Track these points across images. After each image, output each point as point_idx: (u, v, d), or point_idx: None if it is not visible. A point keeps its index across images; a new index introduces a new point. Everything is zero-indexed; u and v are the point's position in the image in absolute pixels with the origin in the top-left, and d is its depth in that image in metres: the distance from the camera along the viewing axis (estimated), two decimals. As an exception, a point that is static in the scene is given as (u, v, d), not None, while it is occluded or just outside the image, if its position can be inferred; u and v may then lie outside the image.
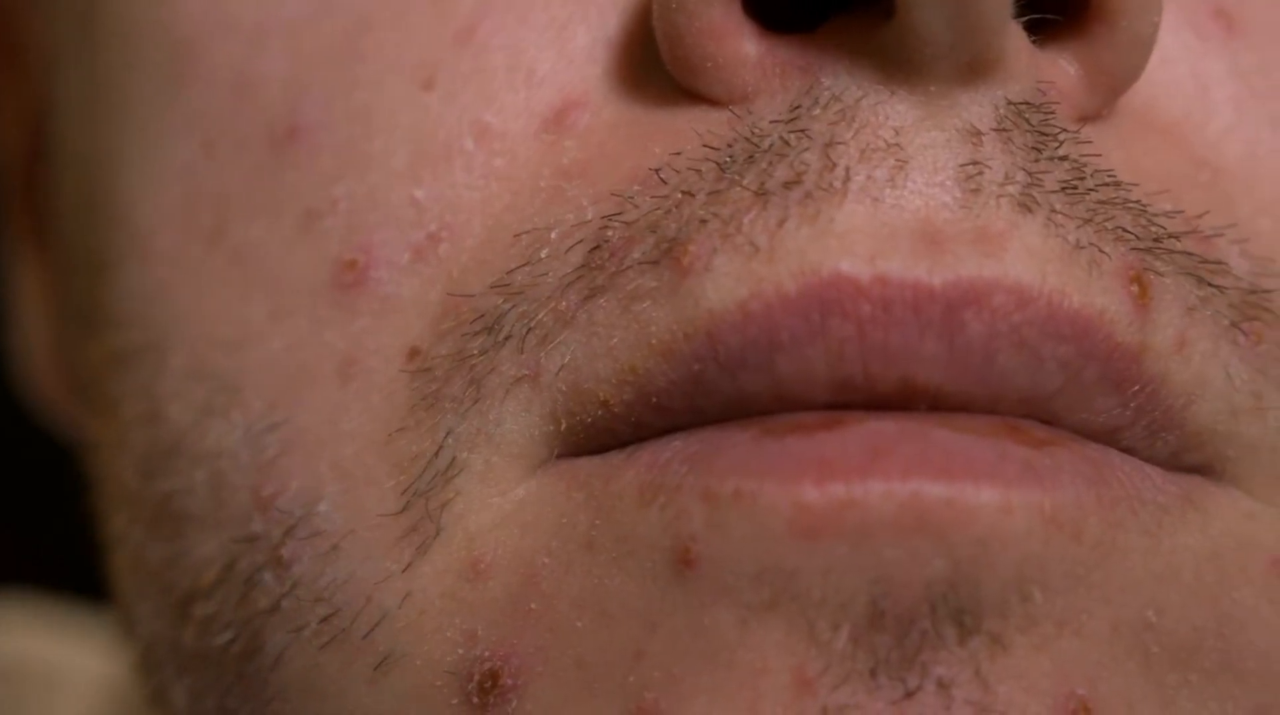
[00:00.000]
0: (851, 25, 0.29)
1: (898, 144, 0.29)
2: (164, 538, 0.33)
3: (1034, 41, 0.30)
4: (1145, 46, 0.30)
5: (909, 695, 0.27)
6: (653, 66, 0.30)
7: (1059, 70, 0.30)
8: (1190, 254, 0.30)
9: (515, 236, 0.30)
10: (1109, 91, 0.30)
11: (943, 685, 0.28)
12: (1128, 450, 0.29)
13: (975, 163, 0.29)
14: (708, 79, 0.29)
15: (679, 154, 0.29)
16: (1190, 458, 0.30)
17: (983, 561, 0.27)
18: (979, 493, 0.27)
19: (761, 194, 0.28)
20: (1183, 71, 0.32)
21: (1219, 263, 0.30)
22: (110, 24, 0.36)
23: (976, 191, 0.28)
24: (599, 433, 0.30)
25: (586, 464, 0.29)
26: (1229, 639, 0.29)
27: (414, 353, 0.30)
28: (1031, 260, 0.28)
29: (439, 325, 0.30)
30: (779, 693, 0.28)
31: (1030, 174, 0.29)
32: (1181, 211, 0.30)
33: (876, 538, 0.27)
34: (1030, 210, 0.28)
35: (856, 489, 0.27)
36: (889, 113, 0.29)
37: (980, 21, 0.28)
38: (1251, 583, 0.30)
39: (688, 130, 0.30)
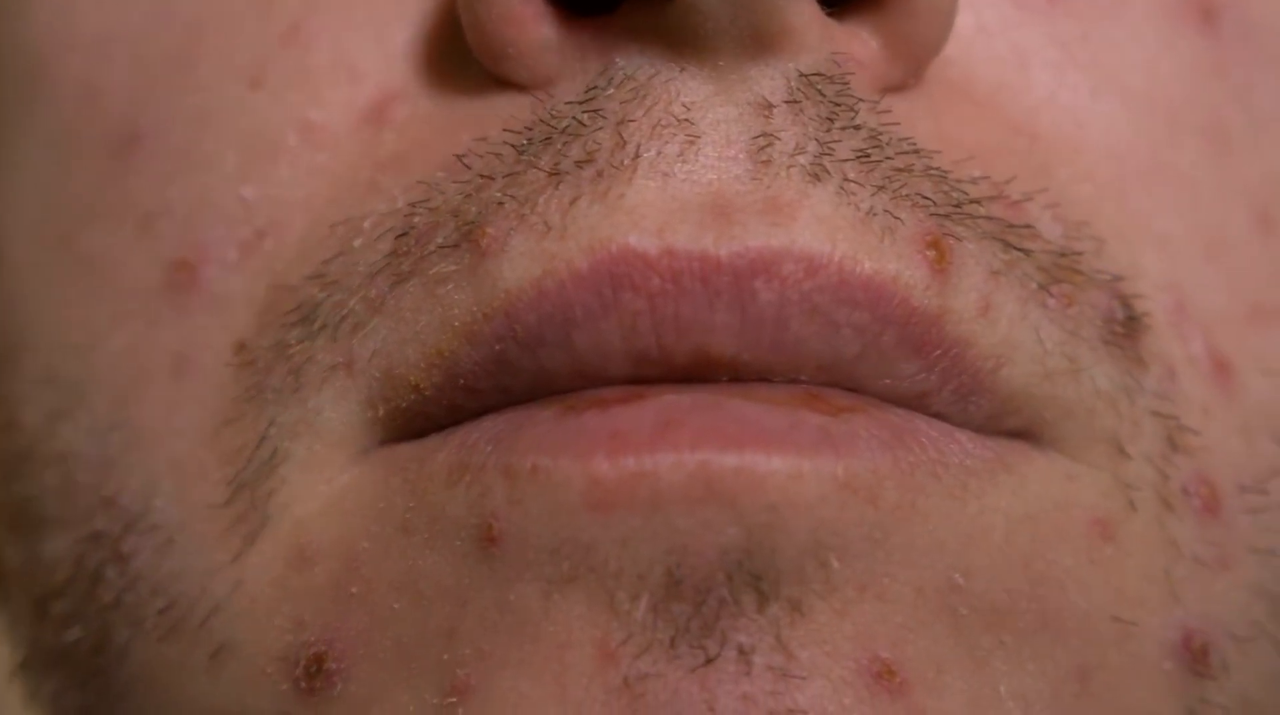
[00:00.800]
0: (644, 6, 0.29)
1: (689, 119, 0.29)
2: (22, 540, 0.34)
3: (833, 14, 0.30)
4: (945, 18, 0.30)
5: (709, 662, 0.28)
6: (467, 57, 0.31)
7: (859, 42, 0.30)
8: (995, 219, 0.30)
9: (331, 227, 0.31)
10: (913, 61, 0.30)
11: (743, 652, 0.28)
12: (939, 415, 0.30)
13: (766, 134, 0.29)
14: (511, 65, 0.30)
15: (483, 139, 0.30)
16: (1009, 422, 0.30)
17: (776, 528, 0.28)
18: (769, 460, 0.28)
19: (555, 174, 0.29)
20: (1001, 42, 0.32)
21: (1027, 227, 0.30)
22: None
23: (767, 163, 0.29)
24: (415, 417, 0.30)
25: (405, 449, 0.30)
26: (1045, 600, 0.29)
27: (240, 347, 0.31)
28: (821, 228, 0.29)
29: (262, 318, 0.31)
30: (583, 664, 0.28)
31: (822, 144, 0.29)
32: (987, 177, 0.30)
33: (669, 508, 0.28)
34: (820, 179, 0.29)
35: (647, 461, 0.28)
36: (680, 89, 0.29)
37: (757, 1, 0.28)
38: (1070, 543, 0.30)
39: (493, 116, 0.30)
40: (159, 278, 0.32)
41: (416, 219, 0.30)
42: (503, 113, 0.30)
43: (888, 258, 0.29)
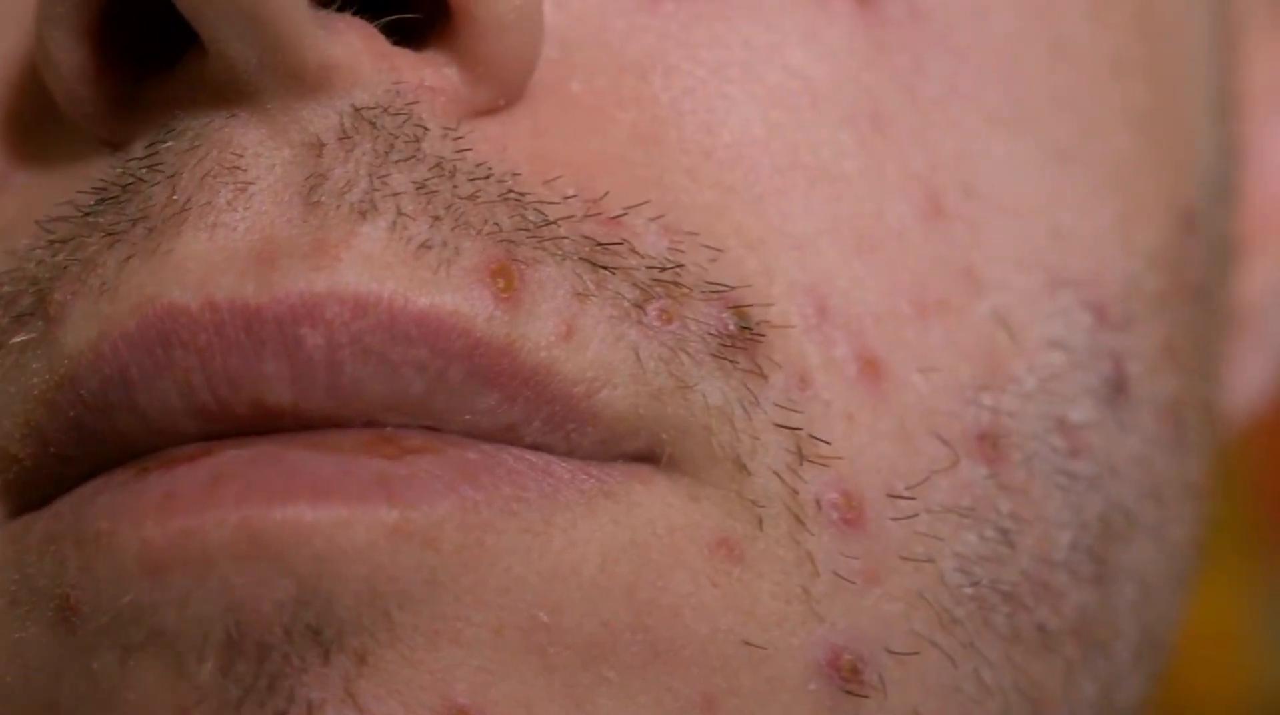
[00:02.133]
0: (195, 59, 0.29)
1: (239, 166, 0.28)
2: None
3: (409, 43, 0.29)
4: (524, 37, 0.29)
5: None
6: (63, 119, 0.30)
7: (432, 70, 0.29)
8: (583, 238, 0.29)
9: None
10: (499, 83, 0.29)
11: (313, 707, 0.27)
12: (538, 446, 0.29)
13: (318, 174, 0.28)
14: (94, 124, 0.30)
15: (67, 203, 0.30)
16: (628, 445, 0.29)
17: (329, 579, 0.27)
18: (315, 511, 0.27)
19: (113, 234, 0.29)
20: (621, 50, 0.31)
21: (621, 243, 0.29)
22: None
23: (316, 204, 0.28)
24: (26, 489, 0.30)
25: (17, 522, 0.30)
26: (654, 630, 0.28)
27: None
28: (368, 267, 0.28)
29: None
30: None
31: (373, 179, 0.28)
32: (576, 195, 0.29)
33: (220, 566, 0.27)
34: (369, 216, 0.28)
35: (194, 520, 0.27)
36: (232, 136, 0.29)
37: (277, 39, 0.27)
38: (688, 567, 0.29)
39: (81, 178, 0.30)
40: None
41: (5, 289, 0.30)
42: (88, 173, 0.30)
43: (444, 291, 0.28)
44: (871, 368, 0.30)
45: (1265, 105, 0.48)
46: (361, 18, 0.29)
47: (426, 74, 0.29)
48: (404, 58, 0.29)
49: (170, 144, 0.29)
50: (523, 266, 0.28)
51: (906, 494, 0.30)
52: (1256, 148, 0.48)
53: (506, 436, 0.28)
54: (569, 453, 0.29)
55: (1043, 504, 0.32)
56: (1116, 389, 0.33)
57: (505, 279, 0.28)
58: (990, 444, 0.31)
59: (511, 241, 0.28)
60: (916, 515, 0.30)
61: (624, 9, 0.31)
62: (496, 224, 0.28)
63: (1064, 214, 0.33)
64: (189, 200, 0.28)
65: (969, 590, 0.31)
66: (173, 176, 0.28)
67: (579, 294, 0.29)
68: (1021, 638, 0.32)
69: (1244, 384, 0.49)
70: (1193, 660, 0.67)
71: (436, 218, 0.28)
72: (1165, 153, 0.36)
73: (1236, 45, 0.46)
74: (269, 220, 0.28)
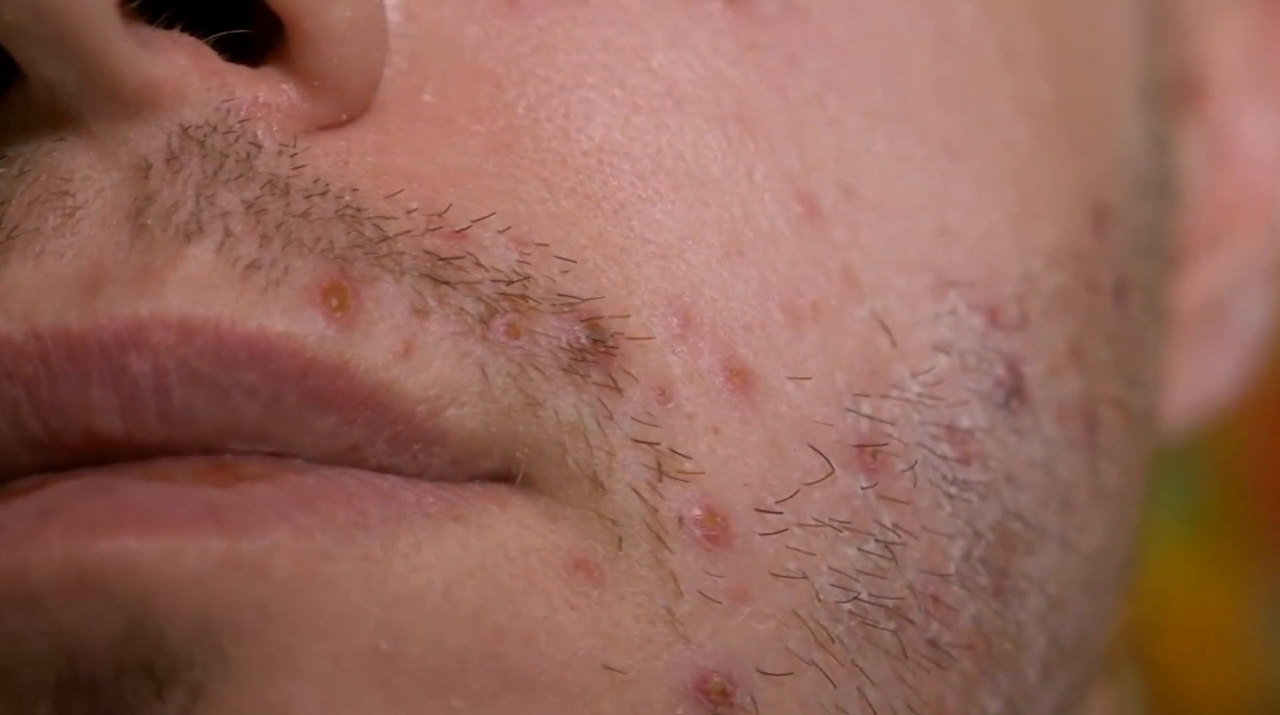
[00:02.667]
0: (22, 81, 0.28)
1: (67, 191, 0.28)
2: None
3: (249, 60, 0.28)
4: (362, 49, 0.28)
5: None
6: None
7: (268, 86, 0.28)
8: (424, 253, 0.28)
9: None
10: (341, 97, 0.29)
11: None
12: (386, 468, 0.28)
13: (145, 197, 0.27)
14: None
15: None
16: (483, 465, 0.28)
17: (159, 612, 0.26)
18: (142, 542, 0.26)
19: None
20: (475, 58, 0.30)
21: (464, 257, 0.28)
22: None
23: (143, 227, 0.27)
24: None
25: None
26: (508, 658, 0.27)
27: None
28: (195, 290, 0.27)
29: None
30: None
31: (201, 200, 0.27)
32: (418, 208, 0.28)
33: (48, 603, 0.26)
34: (195, 238, 0.27)
35: (19, 555, 0.26)
36: (60, 161, 0.28)
37: (91, 60, 0.27)
38: (542, 591, 0.28)
39: None
40: None
41: None
42: None
43: (274, 311, 0.27)
44: (739, 377, 0.29)
45: (1235, 86, 0.46)
46: (194, 33, 0.28)
47: (261, 90, 0.28)
48: (237, 74, 0.28)
49: (1, 171, 0.28)
50: (358, 284, 0.27)
51: (776, 508, 0.29)
52: (1226, 133, 0.46)
53: (351, 459, 0.28)
54: (419, 474, 0.28)
55: (930, 514, 0.31)
56: (1011, 392, 0.32)
57: (339, 297, 0.27)
58: (869, 453, 0.30)
59: (346, 259, 0.28)
60: (787, 530, 0.29)
61: (479, 15, 0.30)
62: (330, 241, 0.28)
63: (953, 211, 0.32)
64: (16, 228, 0.28)
65: (848, 606, 0.30)
66: (1, 204, 0.28)
67: (418, 310, 0.28)
68: (910, 654, 0.30)
69: (1211, 380, 0.47)
70: (1193, 660, 0.65)
71: (266, 237, 0.27)
72: (1071, 145, 0.35)
73: (1185, 32, 0.44)
74: (96, 245, 0.27)
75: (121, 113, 0.27)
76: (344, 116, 0.29)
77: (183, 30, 0.28)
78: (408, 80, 0.29)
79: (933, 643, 0.31)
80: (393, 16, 0.29)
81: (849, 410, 0.30)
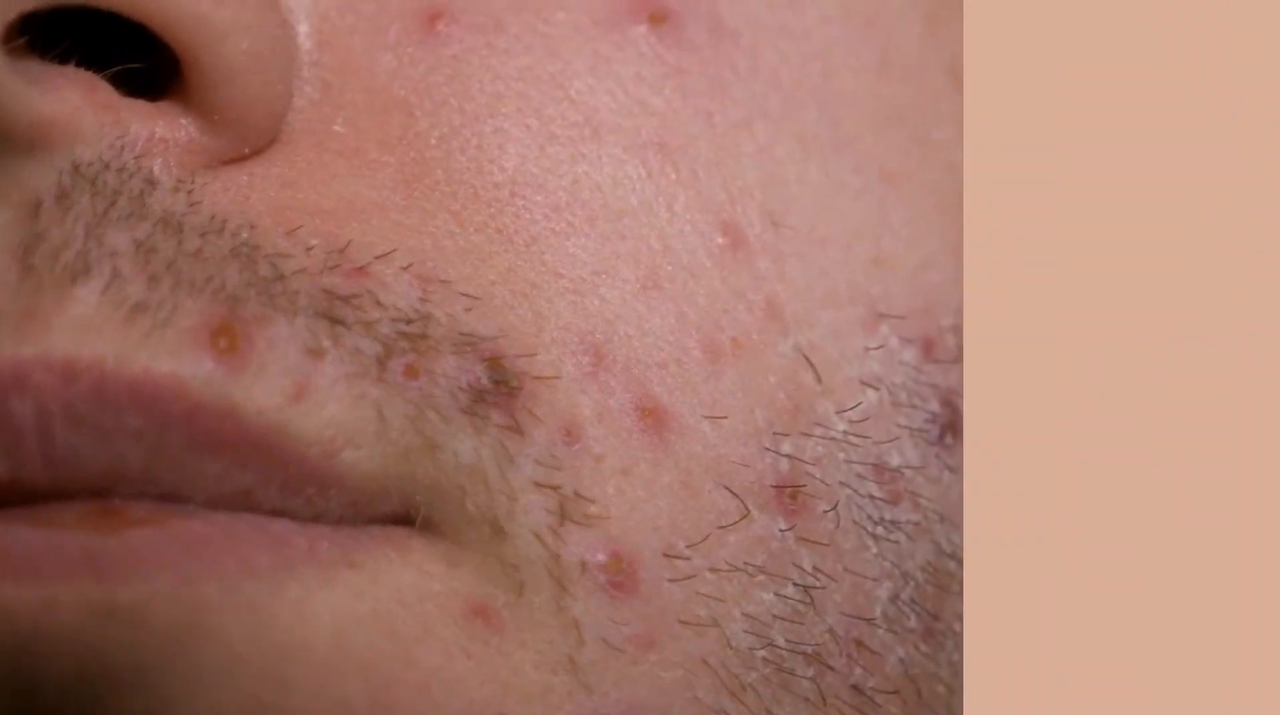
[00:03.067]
0: None
1: None
2: None
3: (149, 95, 0.28)
4: (261, 85, 0.28)
5: None
6: None
7: (167, 121, 0.28)
8: (320, 292, 0.27)
9: None
10: (242, 131, 0.28)
11: None
12: (280, 512, 0.27)
13: (35, 236, 0.27)
14: None
15: None
16: (382, 507, 0.28)
17: (35, 662, 0.26)
18: (18, 589, 0.26)
19: None
20: (385, 89, 0.29)
21: (361, 295, 0.27)
22: None
23: (31, 268, 0.27)
24: None
25: None
26: (399, 708, 0.27)
27: None
28: (79, 331, 0.26)
29: None
30: None
31: (90, 239, 0.27)
32: (317, 245, 0.28)
33: None
34: (81, 279, 0.27)
35: None
36: None
37: None
38: (438, 638, 0.27)
39: None
40: None
41: None
42: None
43: (159, 353, 0.27)
44: (652, 417, 0.28)
45: None
46: (91, 68, 0.27)
47: (159, 125, 0.28)
48: (132, 109, 0.28)
49: None
50: (249, 325, 0.27)
51: (686, 553, 0.28)
52: None
53: (243, 503, 0.27)
54: (315, 518, 0.27)
55: (854, 556, 0.30)
56: (946, 428, 0.31)
57: (228, 338, 0.27)
58: (789, 494, 0.29)
59: (238, 299, 0.27)
60: (697, 575, 0.28)
61: (393, 43, 0.29)
62: (222, 281, 0.27)
63: (889, 240, 0.31)
64: None
65: (762, 653, 0.29)
66: None
67: (312, 351, 0.27)
68: (830, 701, 0.29)
69: None
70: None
71: (155, 277, 0.27)
72: None
73: None
74: None
75: (13, 151, 0.27)
76: (246, 150, 0.28)
77: (78, 65, 0.27)
78: (318, 110, 0.29)
79: (856, 688, 0.30)
80: (304, 44, 0.29)
81: (768, 450, 0.29)
